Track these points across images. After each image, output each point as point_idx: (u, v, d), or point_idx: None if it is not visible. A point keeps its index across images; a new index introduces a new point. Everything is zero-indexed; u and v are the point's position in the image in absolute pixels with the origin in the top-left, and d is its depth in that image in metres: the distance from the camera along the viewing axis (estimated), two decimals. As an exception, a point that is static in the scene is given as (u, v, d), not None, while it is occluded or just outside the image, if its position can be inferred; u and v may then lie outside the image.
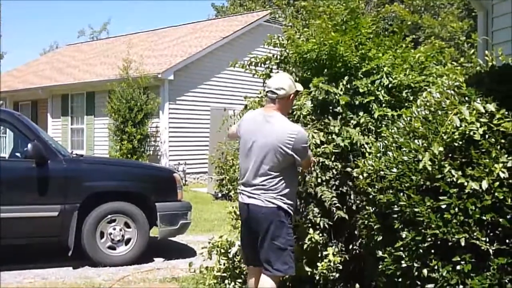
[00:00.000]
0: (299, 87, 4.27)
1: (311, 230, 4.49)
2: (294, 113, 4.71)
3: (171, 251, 7.59)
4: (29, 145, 6.32)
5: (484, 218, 3.14)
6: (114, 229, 6.80)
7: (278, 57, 5.43)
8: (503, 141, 3.21)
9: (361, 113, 4.69)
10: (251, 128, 4.09)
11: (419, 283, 3.35)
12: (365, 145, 4.50)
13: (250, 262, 4.26)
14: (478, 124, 3.25)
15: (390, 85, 4.79)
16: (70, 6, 74.83)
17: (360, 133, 4.59)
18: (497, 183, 3.10)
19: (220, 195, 13.25)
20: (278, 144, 3.89)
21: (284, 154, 3.90)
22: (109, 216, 6.78)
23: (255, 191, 3.98)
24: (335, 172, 4.59)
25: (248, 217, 4.06)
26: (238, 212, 5.17)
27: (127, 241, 6.86)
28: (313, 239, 4.45)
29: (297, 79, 5.05)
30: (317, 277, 4.50)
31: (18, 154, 7.10)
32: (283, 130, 3.94)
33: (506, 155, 3.15)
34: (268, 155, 3.91)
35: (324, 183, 4.55)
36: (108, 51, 23.38)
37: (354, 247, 4.74)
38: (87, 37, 44.05)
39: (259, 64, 5.53)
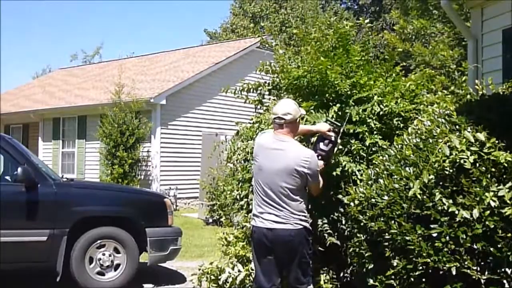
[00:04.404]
0: (302, 111, 4.34)
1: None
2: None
3: (160, 277, 7.51)
4: (19, 169, 6.27)
5: (475, 247, 3.14)
6: (104, 254, 6.71)
7: (270, 83, 5.45)
8: (493, 169, 3.22)
9: (352, 141, 4.70)
10: (267, 153, 4.13)
11: (410, 312, 3.34)
12: (357, 172, 4.50)
13: (266, 284, 4.11)
14: (469, 153, 3.27)
15: (381, 113, 4.82)
16: (63, 30, 74.86)
17: (351, 160, 4.60)
18: (488, 211, 3.11)
19: (211, 220, 13.18)
20: (294, 167, 3.97)
21: (300, 176, 3.98)
22: (99, 241, 6.69)
23: (281, 214, 3.99)
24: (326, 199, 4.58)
25: (272, 242, 4.02)
26: (229, 239, 5.12)
27: (117, 267, 6.77)
28: (304, 266, 4.41)
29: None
30: (308, 305, 4.45)
31: (7, 178, 7.04)
32: (298, 154, 4.04)
33: (496, 184, 3.16)
34: (287, 178, 3.97)
35: (316, 209, 4.55)
36: (101, 75, 23.39)
37: (346, 274, 4.71)
38: (80, 61, 44.10)
39: (251, 90, 5.55)
